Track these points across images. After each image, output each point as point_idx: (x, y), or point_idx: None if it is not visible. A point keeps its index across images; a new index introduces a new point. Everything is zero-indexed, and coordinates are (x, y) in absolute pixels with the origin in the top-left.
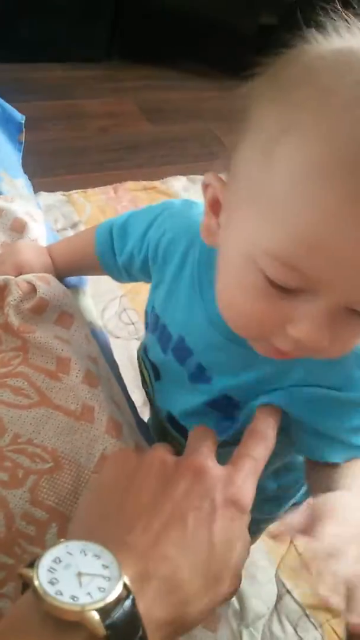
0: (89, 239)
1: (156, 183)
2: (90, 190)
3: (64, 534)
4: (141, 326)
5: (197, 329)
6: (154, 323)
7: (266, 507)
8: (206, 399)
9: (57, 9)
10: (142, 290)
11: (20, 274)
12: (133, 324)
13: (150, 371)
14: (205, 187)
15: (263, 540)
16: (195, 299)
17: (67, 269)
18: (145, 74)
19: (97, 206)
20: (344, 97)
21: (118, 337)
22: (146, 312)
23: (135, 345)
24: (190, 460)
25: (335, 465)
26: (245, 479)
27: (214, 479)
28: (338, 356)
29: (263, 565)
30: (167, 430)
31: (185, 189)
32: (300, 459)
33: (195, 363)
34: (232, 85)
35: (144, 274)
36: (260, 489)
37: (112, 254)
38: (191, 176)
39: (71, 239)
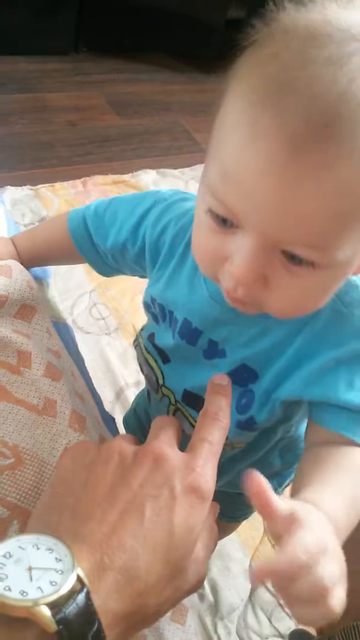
0: (61, 230)
1: (126, 177)
2: (58, 185)
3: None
4: (111, 321)
5: (201, 309)
6: (162, 312)
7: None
8: (225, 370)
9: (23, 1)
10: (111, 285)
11: None
12: (103, 319)
13: (157, 356)
14: None
15: (236, 532)
16: (196, 281)
17: (33, 258)
18: (113, 66)
19: (65, 200)
20: (271, 51)
21: (88, 333)
22: (146, 304)
23: (106, 341)
24: (149, 448)
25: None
26: (204, 464)
27: (172, 466)
28: (293, 312)
29: (237, 557)
30: (182, 420)
31: (155, 183)
32: (303, 435)
33: (206, 341)
34: (201, 78)
35: (137, 264)
36: (267, 465)
37: (93, 247)
38: (161, 170)
39: (36, 230)
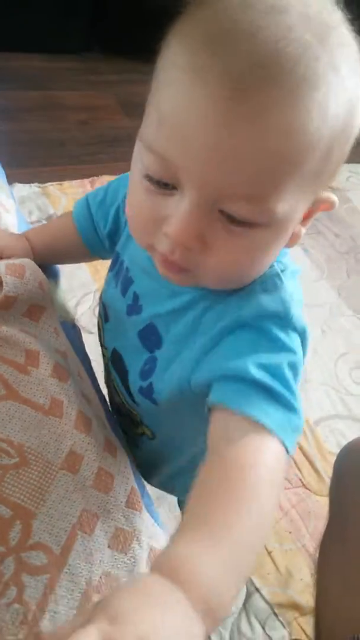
0: (68, 219)
1: None
2: (66, 183)
3: (28, 532)
4: None
5: (138, 257)
6: (115, 259)
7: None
8: (137, 329)
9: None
10: None
11: (1, 259)
12: None
13: (102, 315)
14: None
15: None
16: None
17: (47, 254)
18: (125, 67)
19: (73, 199)
20: (201, 13)
21: (92, 333)
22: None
23: None
24: None
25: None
26: None
27: None
28: (229, 278)
29: None
30: (111, 385)
31: None
32: None
33: (132, 293)
34: None
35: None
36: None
37: (93, 227)
38: None
39: (48, 224)
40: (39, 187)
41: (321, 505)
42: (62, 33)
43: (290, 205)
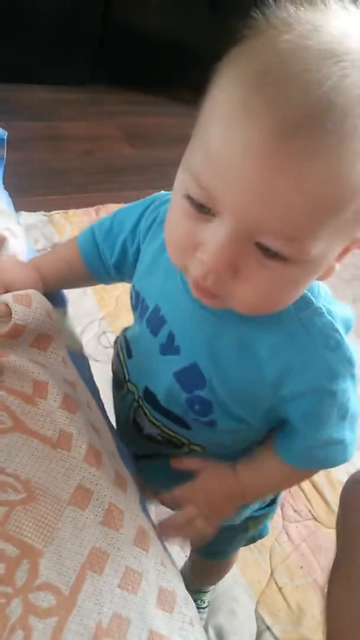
0: (72, 248)
1: None
2: (71, 212)
3: (35, 572)
4: None
5: (171, 296)
6: (136, 299)
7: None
8: (175, 368)
9: (42, 31)
10: (121, 314)
11: (8, 292)
12: (112, 347)
13: (125, 350)
14: None
15: (243, 575)
16: (172, 270)
17: (56, 281)
18: (129, 99)
19: (78, 227)
20: (267, 40)
21: (97, 361)
22: (130, 294)
23: None
24: None
25: None
26: None
27: None
28: (259, 306)
29: (243, 600)
30: (142, 417)
31: None
32: None
33: (167, 332)
34: None
35: (135, 265)
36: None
37: (99, 257)
38: None
39: (53, 252)
40: (45, 215)
41: (332, 537)
42: (66, 65)
43: (325, 245)
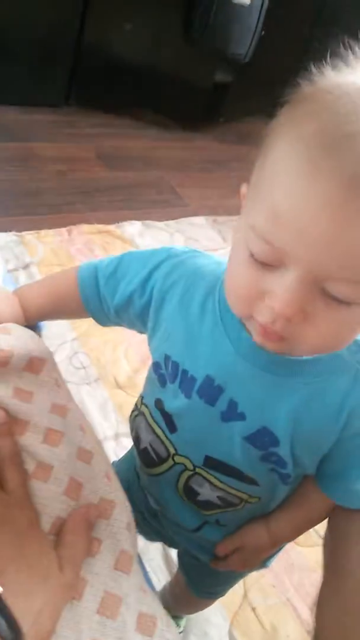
0: (69, 283)
1: (111, 227)
2: (43, 232)
3: None
4: (92, 371)
5: (225, 365)
6: (174, 372)
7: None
8: (244, 434)
9: (17, 53)
10: (94, 334)
11: None
12: (84, 368)
13: (164, 424)
14: (241, 196)
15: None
16: (220, 337)
17: (40, 314)
18: (103, 121)
19: (50, 248)
20: (325, 102)
21: (68, 382)
22: (157, 364)
23: (86, 391)
24: None
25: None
26: None
27: None
28: (325, 347)
29: (216, 623)
30: (202, 483)
31: (140, 234)
32: None
33: (227, 400)
34: (187, 136)
35: (140, 318)
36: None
37: (98, 298)
38: (146, 221)
39: (45, 283)
40: (17, 235)
41: (304, 556)
42: (41, 86)
43: None
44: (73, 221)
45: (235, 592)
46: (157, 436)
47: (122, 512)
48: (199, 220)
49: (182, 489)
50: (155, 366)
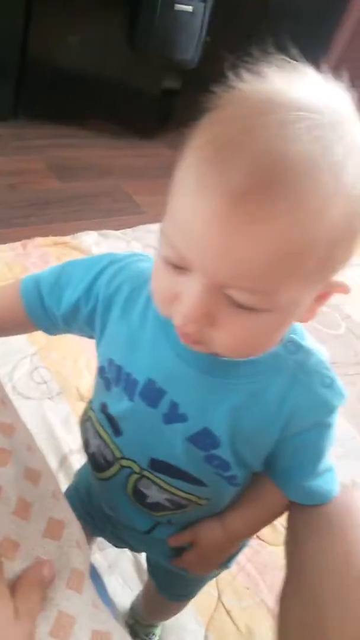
0: (12, 298)
1: (67, 238)
2: None
3: None
4: (54, 385)
5: (166, 368)
6: (117, 375)
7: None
8: (186, 435)
9: None
10: (54, 348)
11: None
12: (45, 382)
13: (109, 428)
14: None
15: (192, 603)
16: (160, 339)
17: None
18: (53, 132)
19: (4, 263)
20: (225, 114)
21: (29, 398)
22: (101, 368)
23: (48, 405)
24: None
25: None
26: None
27: None
28: (239, 351)
29: (192, 628)
30: (149, 486)
31: (97, 243)
32: None
33: (168, 402)
34: (139, 143)
35: (88, 325)
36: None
37: (43, 308)
38: (103, 231)
39: None
40: None
41: (277, 555)
42: None
43: (293, 294)
44: (27, 235)
45: (209, 595)
46: (104, 440)
47: (72, 531)
48: (156, 227)
49: (131, 492)
50: (101, 370)
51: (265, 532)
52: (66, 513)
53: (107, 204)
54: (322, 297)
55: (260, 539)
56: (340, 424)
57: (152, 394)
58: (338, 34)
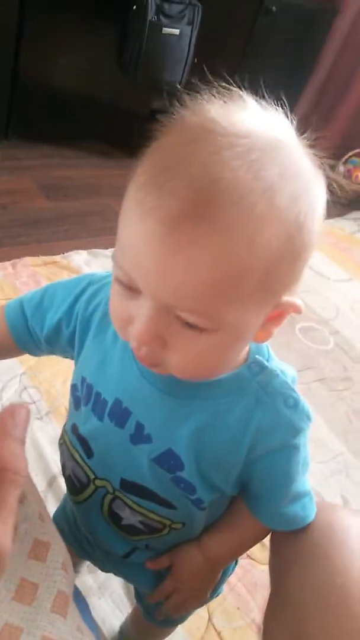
0: None
1: (57, 257)
2: None
3: None
4: (43, 405)
5: (132, 388)
6: (88, 393)
7: None
8: (151, 456)
9: None
10: (43, 368)
11: None
12: (34, 402)
13: (81, 449)
14: None
15: (182, 626)
16: (128, 359)
17: None
18: (44, 152)
19: None
20: (164, 141)
21: None
22: (74, 386)
23: (37, 425)
24: None
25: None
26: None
27: None
28: (193, 372)
29: None
30: (122, 507)
31: (87, 263)
32: None
33: (134, 423)
34: (129, 163)
35: (70, 345)
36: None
37: (27, 330)
38: (93, 250)
39: None
40: None
41: (267, 575)
42: None
43: (238, 314)
44: (17, 254)
45: (199, 616)
46: (77, 462)
47: (58, 552)
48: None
49: (107, 514)
50: (73, 388)
51: (255, 550)
52: (52, 534)
53: (97, 223)
54: (276, 318)
55: (250, 557)
56: (329, 440)
57: (119, 414)
58: (321, 57)
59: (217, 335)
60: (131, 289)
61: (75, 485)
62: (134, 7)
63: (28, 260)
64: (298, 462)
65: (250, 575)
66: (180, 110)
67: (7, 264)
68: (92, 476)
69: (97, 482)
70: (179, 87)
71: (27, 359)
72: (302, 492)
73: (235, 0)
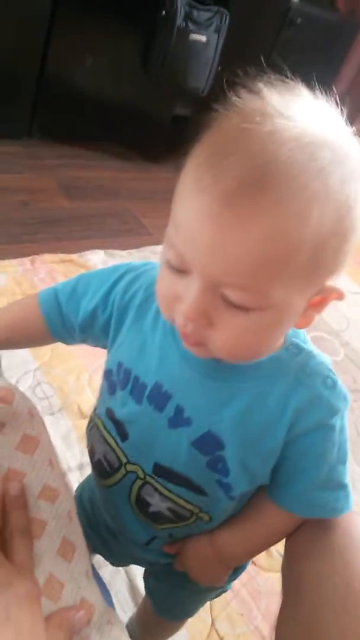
0: (30, 309)
1: (74, 256)
2: (6, 262)
3: None
4: (56, 401)
5: (172, 372)
6: (125, 378)
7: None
8: (191, 439)
9: None
10: (56, 363)
11: None
12: (47, 398)
13: (115, 433)
14: None
15: (184, 627)
16: (169, 344)
17: (4, 341)
18: (65, 153)
19: (12, 277)
20: (221, 125)
21: None
22: (109, 372)
23: (49, 421)
24: None
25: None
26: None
27: None
28: (236, 352)
29: None
30: (152, 493)
31: (104, 263)
32: None
33: (174, 406)
34: (148, 167)
35: (104, 333)
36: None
37: (61, 317)
38: (109, 250)
39: (3, 312)
40: None
41: (272, 582)
42: (3, 118)
43: (284, 294)
44: (36, 251)
45: (202, 621)
46: (109, 445)
47: (81, 558)
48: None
49: (135, 500)
50: (107, 374)
51: (260, 557)
52: (77, 536)
53: (115, 225)
54: (318, 304)
55: (255, 564)
56: None
57: (159, 398)
58: (343, 69)
59: (261, 315)
60: (180, 269)
61: (105, 468)
62: (163, 12)
63: (46, 257)
64: (334, 445)
65: (255, 582)
66: (237, 96)
67: (26, 259)
68: (124, 460)
69: (129, 467)
70: (202, 93)
71: (42, 354)
72: (337, 482)
73: (261, 11)
